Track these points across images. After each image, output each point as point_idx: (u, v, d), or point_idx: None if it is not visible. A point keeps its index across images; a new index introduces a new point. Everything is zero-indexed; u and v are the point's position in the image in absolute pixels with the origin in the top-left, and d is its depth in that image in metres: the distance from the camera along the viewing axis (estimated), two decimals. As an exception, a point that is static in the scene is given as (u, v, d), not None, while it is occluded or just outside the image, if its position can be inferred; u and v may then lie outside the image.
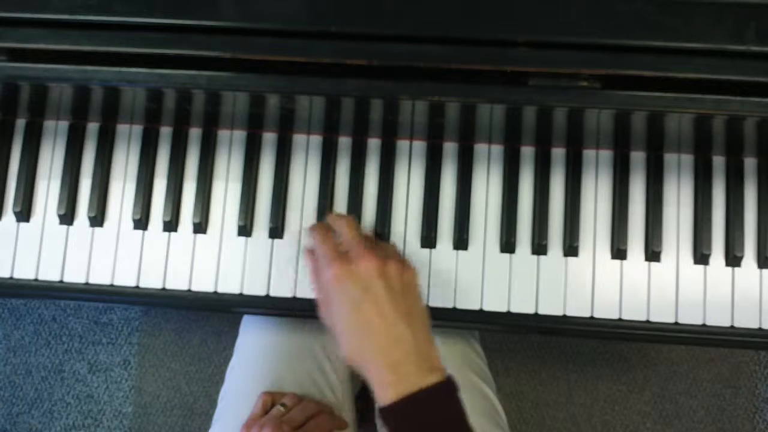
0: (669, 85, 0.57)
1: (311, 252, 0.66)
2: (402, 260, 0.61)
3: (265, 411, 0.73)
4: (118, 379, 1.39)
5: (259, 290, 0.70)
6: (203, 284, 0.71)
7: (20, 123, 0.73)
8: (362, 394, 1.01)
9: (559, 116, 0.63)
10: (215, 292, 0.71)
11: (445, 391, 0.56)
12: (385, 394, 0.55)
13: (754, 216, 0.70)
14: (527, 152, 0.71)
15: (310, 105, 0.65)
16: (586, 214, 0.70)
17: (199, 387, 1.38)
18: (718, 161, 0.71)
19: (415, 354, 0.56)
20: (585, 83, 0.58)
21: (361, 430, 0.85)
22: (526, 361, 1.36)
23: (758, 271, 0.69)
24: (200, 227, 0.71)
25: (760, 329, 0.68)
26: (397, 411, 0.54)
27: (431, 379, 0.55)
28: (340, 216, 0.67)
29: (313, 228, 0.67)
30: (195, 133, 0.73)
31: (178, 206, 0.72)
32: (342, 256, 0.60)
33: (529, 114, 0.63)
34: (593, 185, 0.71)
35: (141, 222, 0.71)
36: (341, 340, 0.59)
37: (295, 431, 0.70)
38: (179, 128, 0.72)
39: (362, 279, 0.58)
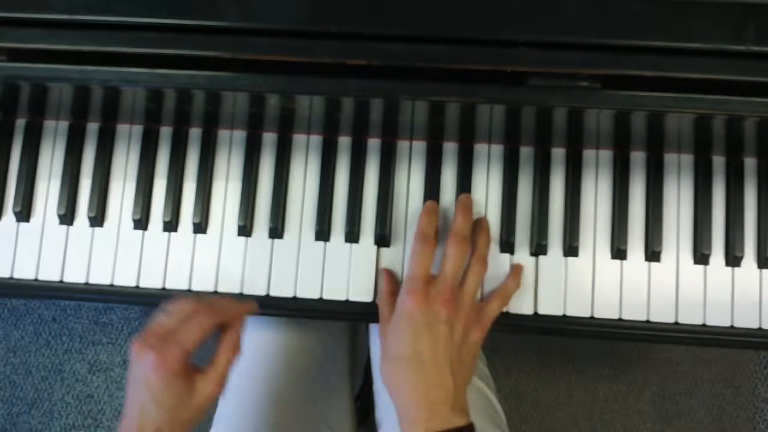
0: (669, 85, 0.57)
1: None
2: (480, 323, 0.64)
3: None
4: (118, 379, 1.39)
5: (259, 290, 0.70)
6: (203, 284, 0.71)
7: (20, 123, 0.73)
8: (362, 394, 1.01)
9: (559, 116, 0.63)
10: (215, 292, 0.70)
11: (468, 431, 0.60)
12: (414, 429, 0.58)
13: (754, 216, 0.70)
14: (527, 152, 0.71)
15: (310, 105, 0.65)
16: (586, 214, 0.70)
17: (199, 387, 1.38)
18: (718, 161, 0.70)
19: (452, 399, 0.59)
20: (585, 83, 0.58)
21: (361, 429, 0.85)
22: (526, 362, 1.36)
23: (758, 271, 0.69)
24: (200, 227, 0.71)
25: (760, 329, 0.68)
26: None
27: (459, 422, 0.59)
28: (460, 240, 0.65)
29: (423, 240, 0.65)
30: (195, 133, 0.73)
31: (178, 206, 0.72)
32: (427, 291, 0.62)
33: (529, 114, 0.63)
34: (593, 185, 0.71)
35: (141, 222, 0.71)
36: (389, 362, 0.62)
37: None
38: (179, 128, 0.72)
39: (431, 315, 0.61)
